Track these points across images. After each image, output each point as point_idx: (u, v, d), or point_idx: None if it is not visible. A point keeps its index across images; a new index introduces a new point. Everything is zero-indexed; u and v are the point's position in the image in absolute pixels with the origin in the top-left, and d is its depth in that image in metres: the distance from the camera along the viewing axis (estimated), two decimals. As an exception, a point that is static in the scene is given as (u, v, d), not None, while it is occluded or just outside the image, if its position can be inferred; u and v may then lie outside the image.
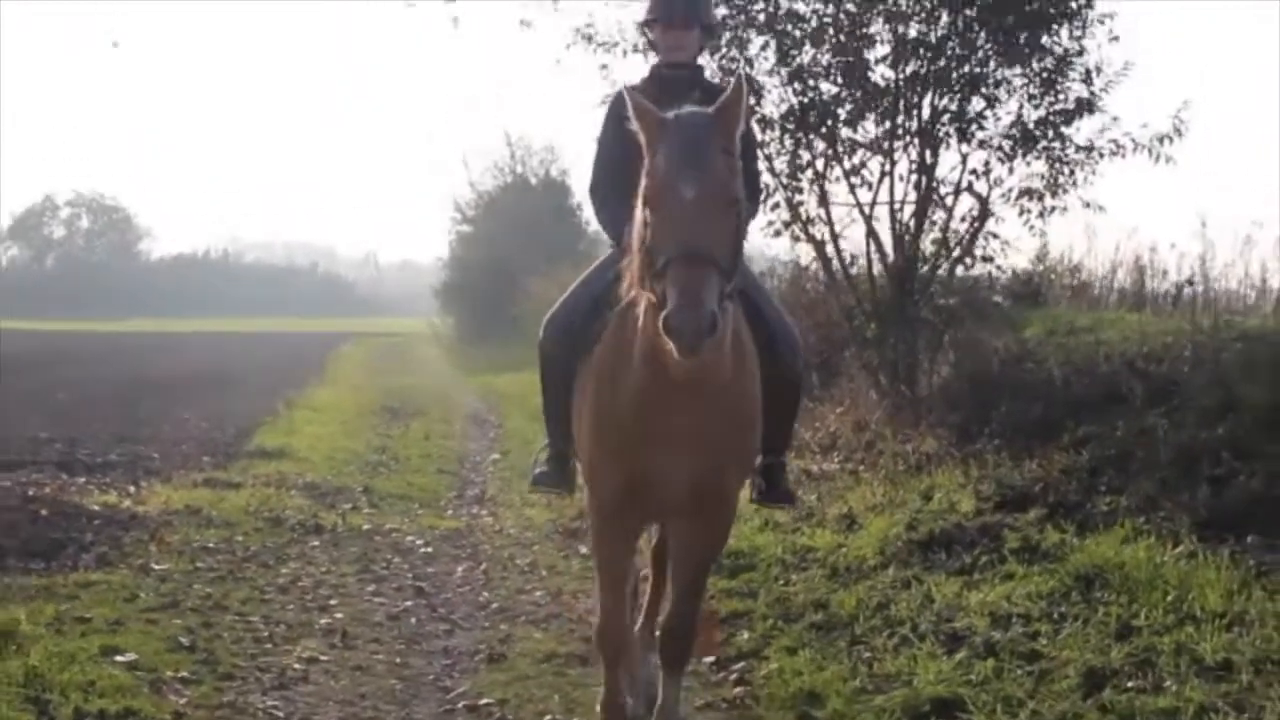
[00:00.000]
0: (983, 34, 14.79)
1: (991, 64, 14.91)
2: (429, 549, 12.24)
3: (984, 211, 15.17)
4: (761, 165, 6.96)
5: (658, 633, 6.95)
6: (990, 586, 9.04)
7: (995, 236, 15.58)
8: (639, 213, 5.61)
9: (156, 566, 10.63)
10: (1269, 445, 9.60)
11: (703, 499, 6.15)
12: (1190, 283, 17.98)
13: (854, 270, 16.03)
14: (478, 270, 52.87)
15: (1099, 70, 14.60)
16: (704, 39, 7.57)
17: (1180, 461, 9.98)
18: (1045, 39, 14.68)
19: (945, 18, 14.88)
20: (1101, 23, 14.60)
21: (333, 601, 9.99)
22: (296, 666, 8.28)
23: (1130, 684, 7.06)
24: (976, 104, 14.86)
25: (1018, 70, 14.79)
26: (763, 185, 7.26)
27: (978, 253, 15.62)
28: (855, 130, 15.49)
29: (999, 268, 16.04)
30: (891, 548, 10.35)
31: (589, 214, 51.37)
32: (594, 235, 50.47)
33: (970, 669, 7.60)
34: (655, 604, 7.62)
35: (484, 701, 7.68)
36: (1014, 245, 15.87)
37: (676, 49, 7.15)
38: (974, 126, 14.86)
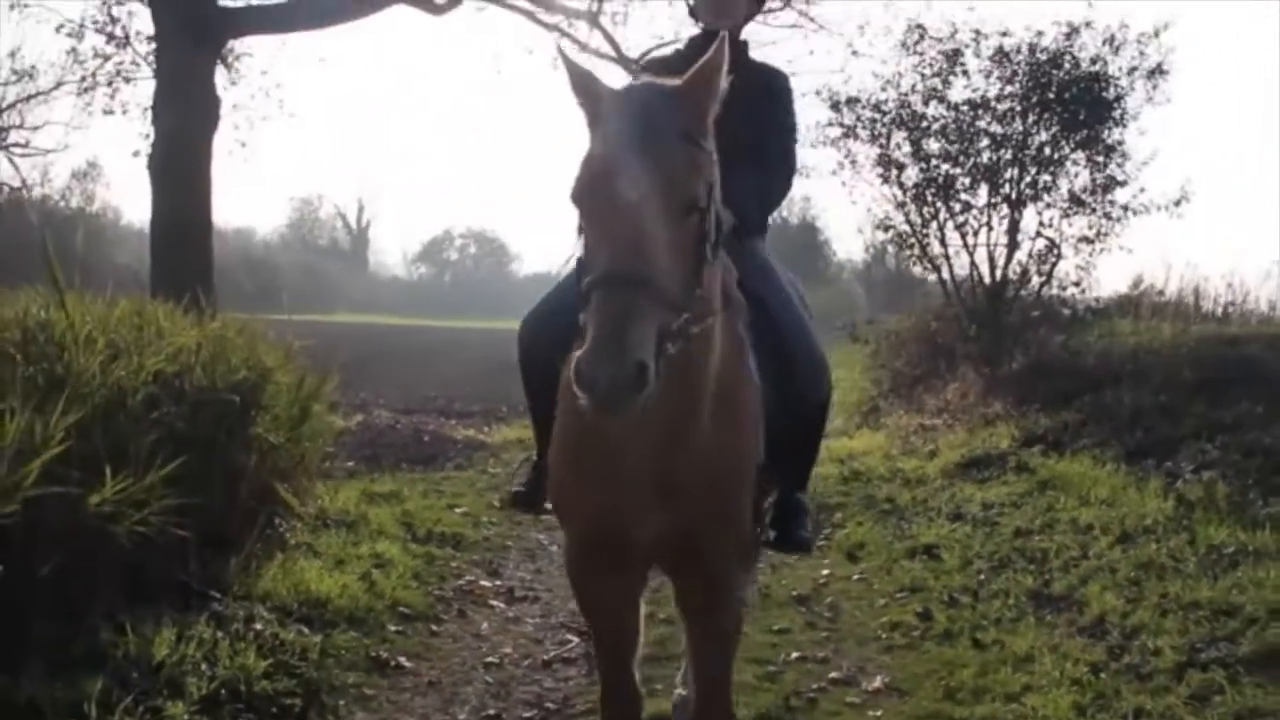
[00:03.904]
0: (1056, 127, 15.88)
1: (1064, 147, 15.95)
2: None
3: (1056, 251, 16.30)
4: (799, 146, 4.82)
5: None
6: (990, 489, 10.62)
7: (1083, 269, 16.60)
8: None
9: (491, 470, 12.64)
10: (1184, 407, 10.84)
11: (681, 561, 3.87)
12: (1231, 304, 19.16)
13: (963, 290, 17.12)
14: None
15: (1128, 157, 15.75)
16: (752, 5, 4.90)
17: (1131, 416, 11.23)
18: (1100, 129, 15.70)
19: (1032, 117, 16.05)
20: (1127, 124, 15.82)
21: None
22: (562, 521, 10.40)
23: (1037, 536, 8.68)
24: (1044, 177, 16.02)
25: (1080, 153, 15.93)
26: (795, 161, 4.75)
27: (1066, 277, 16.72)
28: (973, 195, 16.57)
29: (1082, 290, 17.03)
30: (947, 468, 11.96)
31: (837, 247, 50.71)
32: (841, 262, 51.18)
33: (954, 532, 9.26)
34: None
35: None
36: (1089, 274, 16.98)
37: (720, 14, 4.58)
38: (1044, 192, 16.06)
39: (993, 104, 16.24)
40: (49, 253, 6.64)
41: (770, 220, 4.83)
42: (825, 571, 8.64)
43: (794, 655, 6.63)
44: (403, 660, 6.20)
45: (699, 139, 3.27)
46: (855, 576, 8.50)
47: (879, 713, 5.70)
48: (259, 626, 6.06)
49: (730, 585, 3.94)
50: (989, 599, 7.46)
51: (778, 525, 4.39)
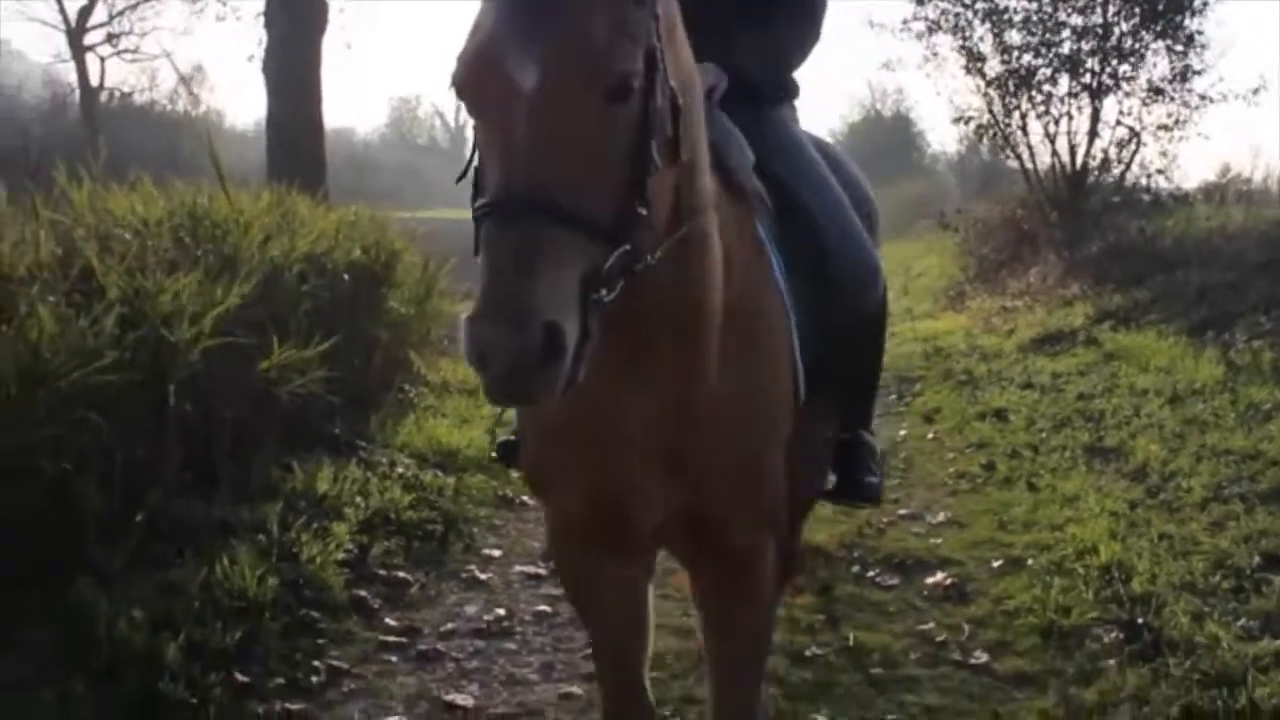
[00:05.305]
0: (1136, 18, 16.34)
1: (1144, 37, 16.43)
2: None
3: (1137, 139, 16.82)
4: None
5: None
6: (1060, 361, 11.26)
7: (1165, 156, 17.19)
8: None
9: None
10: (1248, 285, 11.41)
11: (701, 534, 2.78)
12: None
13: (1045, 178, 17.59)
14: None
15: (1207, 46, 16.20)
16: None
17: (1197, 293, 11.78)
18: (1179, 18, 16.14)
19: (1113, 8, 16.48)
20: (1205, 14, 16.23)
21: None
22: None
23: (1097, 400, 9.33)
24: (1124, 67, 16.47)
25: (1159, 43, 16.39)
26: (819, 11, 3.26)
27: (1150, 164, 17.24)
28: (1054, 85, 17.11)
29: (1167, 178, 17.46)
30: (1023, 344, 12.59)
31: (931, 138, 50.26)
32: (935, 154, 50.95)
33: (1024, 398, 9.92)
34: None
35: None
36: (1173, 162, 17.36)
37: None
38: (1124, 82, 16.52)
39: (1074, -5, 16.55)
40: (215, 154, 7.56)
41: (793, 77, 3.47)
42: (902, 432, 9.40)
43: (868, 497, 7.43)
44: (525, 499, 7.10)
45: None
46: (929, 435, 9.26)
47: (939, 540, 6.51)
48: (401, 470, 7.03)
49: (763, 566, 2.92)
50: (1047, 452, 8.16)
51: (838, 470, 3.41)
